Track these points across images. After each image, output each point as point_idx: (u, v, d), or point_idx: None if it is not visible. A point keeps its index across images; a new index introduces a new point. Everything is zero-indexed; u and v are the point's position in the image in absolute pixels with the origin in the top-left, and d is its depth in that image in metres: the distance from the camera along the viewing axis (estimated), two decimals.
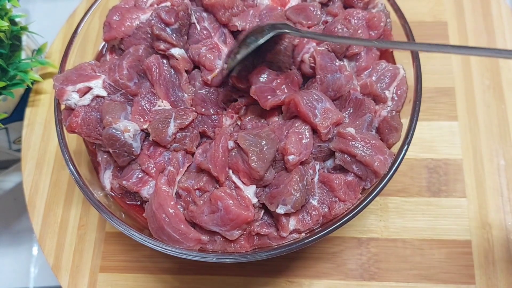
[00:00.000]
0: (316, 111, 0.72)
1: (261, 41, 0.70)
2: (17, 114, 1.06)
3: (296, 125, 0.73)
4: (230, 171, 0.73)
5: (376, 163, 0.70)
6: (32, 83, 1.03)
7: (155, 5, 0.86)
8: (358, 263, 0.88)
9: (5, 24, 0.93)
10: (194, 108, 0.80)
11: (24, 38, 1.04)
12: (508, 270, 0.86)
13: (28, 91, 1.08)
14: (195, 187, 0.73)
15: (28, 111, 1.07)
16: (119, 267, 0.91)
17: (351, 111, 0.77)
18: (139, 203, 0.80)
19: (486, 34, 1.05)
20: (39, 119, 1.06)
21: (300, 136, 0.72)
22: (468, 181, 0.93)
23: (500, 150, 0.95)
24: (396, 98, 0.80)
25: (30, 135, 1.05)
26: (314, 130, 0.74)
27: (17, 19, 1.02)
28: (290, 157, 0.70)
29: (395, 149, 0.75)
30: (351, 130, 0.72)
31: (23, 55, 1.02)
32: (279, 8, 0.84)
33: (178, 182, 0.76)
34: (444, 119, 0.98)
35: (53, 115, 1.04)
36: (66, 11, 1.19)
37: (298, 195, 0.68)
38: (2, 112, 1.01)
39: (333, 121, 0.72)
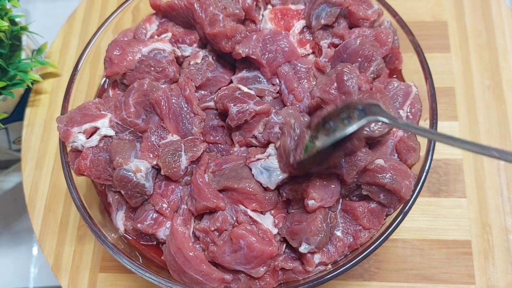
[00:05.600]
0: (343, 161, 0.69)
1: (351, 129, 0.56)
2: (17, 114, 1.06)
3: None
4: (241, 206, 0.72)
5: (403, 190, 0.68)
6: (32, 83, 1.03)
7: (155, 36, 0.84)
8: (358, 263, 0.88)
9: (5, 24, 0.93)
10: (202, 138, 0.78)
11: (24, 38, 1.04)
12: (508, 270, 0.86)
13: (28, 91, 1.08)
14: (212, 228, 0.71)
15: (28, 111, 1.07)
16: (119, 267, 0.91)
17: None
18: (154, 243, 0.78)
19: (486, 34, 1.05)
20: (39, 119, 1.06)
21: (325, 182, 0.68)
22: (468, 181, 0.93)
23: None
24: (411, 117, 0.79)
25: (30, 135, 1.05)
26: None
27: (17, 19, 1.02)
28: (310, 202, 0.67)
29: (413, 169, 0.74)
30: (380, 161, 0.69)
31: (23, 55, 1.01)
32: (283, 32, 0.82)
33: (194, 224, 0.74)
34: (444, 119, 0.98)
35: (53, 115, 1.06)
36: (66, 11, 1.19)
37: (322, 235, 0.66)
38: (2, 112, 1.01)
39: (360, 169, 0.68)
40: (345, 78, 0.69)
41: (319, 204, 0.67)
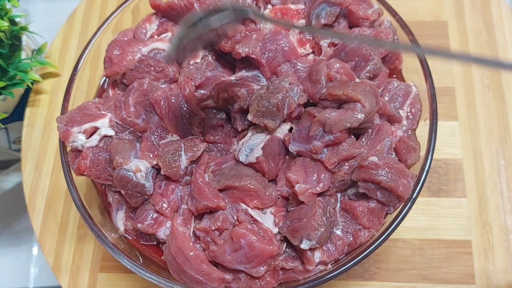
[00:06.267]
0: (325, 148, 0.70)
1: (215, 19, 0.60)
2: (17, 114, 1.06)
3: (303, 157, 0.71)
4: (242, 205, 0.72)
5: (400, 188, 0.68)
6: (32, 83, 1.03)
7: (155, 36, 0.84)
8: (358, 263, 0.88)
9: (5, 24, 0.93)
10: (202, 138, 0.78)
11: (24, 38, 1.04)
12: (508, 270, 0.86)
13: (28, 91, 1.08)
14: (213, 227, 0.71)
15: (28, 111, 1.07)
16: (119, 267, 0.91)
17: (371, 136, 0.75)
18: (154, 243, 0.78)
19: (486, 34, 1.05)
20: (39, 119, 1.06)
21: (307, 168, 0.70)
22: (468, 181, 0.93)
23: (500, 150, 0.95)
24: (411, 117, 0.79)
25: (30, 135, 1.05)
26: None
27: (17, 19, 1.02)
28: (296, 186, 0.68)
29: (413, 169, 0.74)
30: (373, 159, 0.69)
31: (23, 55, 1.01)
32: (283, 31, 0.82)
33: (194, 223, 0.74)
34: (444, 119, 0.98)
35: (53, 115, 1.06)
36: (66, 11, 1.19)
37: (322, 229, 0.66)
38: (2, 112, 1.01)
39: (341, 157, 0.69)
40: (314, 69, 0.74)
41: (305, 186, 0.68)
